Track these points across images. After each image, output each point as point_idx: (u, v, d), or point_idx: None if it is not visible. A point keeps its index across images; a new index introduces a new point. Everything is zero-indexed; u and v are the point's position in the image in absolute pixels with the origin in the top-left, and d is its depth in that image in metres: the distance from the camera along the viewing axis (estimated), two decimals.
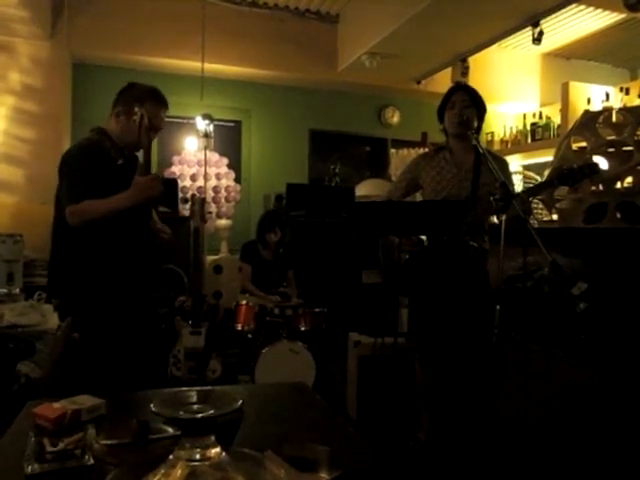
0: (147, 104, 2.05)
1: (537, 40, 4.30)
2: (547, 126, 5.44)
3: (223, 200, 4.94)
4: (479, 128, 2.50)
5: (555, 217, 3.02)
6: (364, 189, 4.91)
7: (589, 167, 2.10)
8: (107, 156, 2.01)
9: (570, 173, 2.09)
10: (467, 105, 2.44)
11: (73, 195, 1.94)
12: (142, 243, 2.12)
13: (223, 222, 4.93)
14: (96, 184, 1.93)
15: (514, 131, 5.88)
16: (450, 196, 2.44)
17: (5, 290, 3.54)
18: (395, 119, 6.13)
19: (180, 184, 4.63)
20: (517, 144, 5.80)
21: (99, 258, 2.04)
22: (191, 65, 4.89)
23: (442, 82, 5.20)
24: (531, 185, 4.16)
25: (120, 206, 1.93)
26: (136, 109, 1.96)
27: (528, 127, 5.64)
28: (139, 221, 2.10)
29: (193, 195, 4.23)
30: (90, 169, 1.98)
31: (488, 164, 2.14)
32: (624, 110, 3.00)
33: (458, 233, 2.32)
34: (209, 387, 1.37)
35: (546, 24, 4.44)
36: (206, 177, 4.73)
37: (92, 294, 2.04)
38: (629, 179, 2.75)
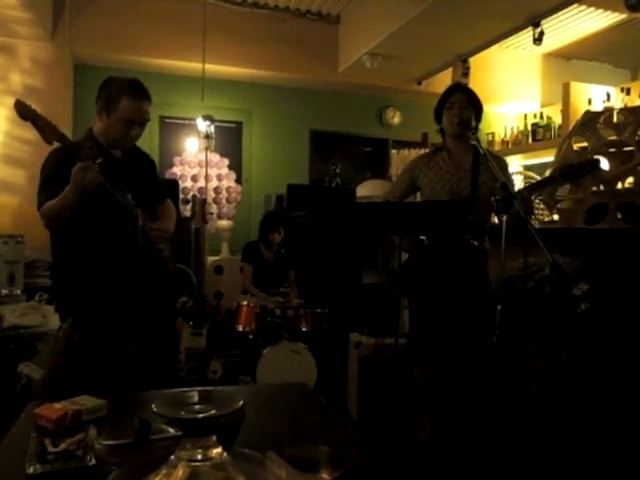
0: (124, 99, 1.98)
1: (538, 40, 4.31)
2: (548, 126, 5.44)
3: (224, 201, 4.94)
4: (476, 128, 2.51)
5: (556, 217, 3.02)
6: (365, 190, 4.91)
7: (590, 163, 2.11)
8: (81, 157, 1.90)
9: (572, 169, 2.10)
10: (465, 106, 2.45)
11: (40, 199, 1.94)
12: (131, 246, 2.05)
13: (224, 223, 4.93)
14: (64, 186, 1.86)
15: (515, 131, 5.88)
16: (449, 195, 2.44)
17: (6, 291, 3.55)
18: (396, 120, 6.13)
19: (181, 185, 4.64)
20: (518, 144, 5.79)
21: (91, 260, 2.02)
22: (192, 66, 4.90)
23: (443, 83, 5.20)
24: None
25: (66, 199, 1.85)
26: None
27: (529, 127, 5.64)
28: (116, 221, 2.02)
29: (194, 196, 4.25)
30: (56, 172, 1.94)
31: (489, 164, 2.15)
32: (625, 110, 3.00)
33: (458, 232, 2.32)
34: (210, 387, 1.37)
35: (547, 24, 4.45)
36: (207, 178, 4.74)
37: (89, 296, 2.04)
38: (630, 179, 2.75)
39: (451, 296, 2.41)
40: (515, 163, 5.77)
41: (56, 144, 1.90)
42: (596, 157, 2.51)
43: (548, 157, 5.02)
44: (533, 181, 4.91)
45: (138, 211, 2.07)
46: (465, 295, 2.40)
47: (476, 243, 2.34)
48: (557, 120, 5.35)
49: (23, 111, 1.82)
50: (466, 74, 5.02)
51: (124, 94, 1.99)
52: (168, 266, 2.27)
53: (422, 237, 2.45)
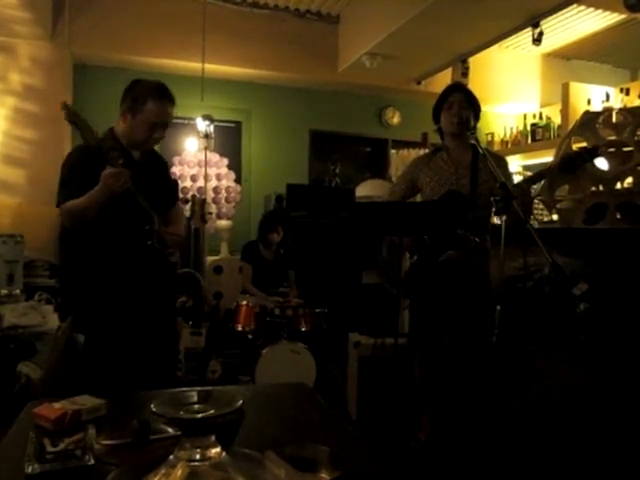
0: (150, 102, 2.02)
1: (537, 41, 4.31)
2: (547, 126, 5.44)
3: (223, 201, 4.94)
4: (474, 128, 2.51)
5: (555, 217, 3.02)
6: (364, 190, 4.91)
7: (589, 152, 2.12)
8: (103, 156, 1.93)
9: (570, 159, 2.11)
10: (464, 105, 2.45)
11: (61, 197, 1.97)
12: (140, 247, 2.06)
13: (223, 223, 4.93)
14: (86, 184, 1.91)
15: (514, 131, 5.88)
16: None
17: (6, 291, 3.54)
18: (395, 120, 6.13)
19: (180, 185, 4.63)
20: (517, 144, 5.80)
21: (107, 261, 2.03)
22: (191, 66, 4.89)
23: (442, 83, 5.18)
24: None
25: (92, 201, 1.90)
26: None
27: (528, 127, 5.64)
28: (134, 223, 2.04)
29: (193, 196, 4.24)
30: (79, 171, 1.97)
31: (489, 164, 2.15)
32: (624, 110, 3.00)
33: (459, 228, 2.32)
34: (209, 387, 1.37)
35: (546, 25, 4.45)
36: (206, 178, 4.73)
37: (102, 295, 2.03)
38: (629, 179, 2.75)
39: (452, 296, 2.41)
40: (514, 163, 5.77)
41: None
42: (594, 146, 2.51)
43: (547, 157, 5.02)
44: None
45: (154, 213, 2.08)
46: (466, 295, 2.40)
47: (477, 239, 2.34)
48: (556, 120, 5.35)
49: (68, 114, 1.86)
50: (465, 74, 5.02)
51: (150, 97, 2.02)
52: (176, 269, 2.28)
53: (424, 237, 2.46)
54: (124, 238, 2.04)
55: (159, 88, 2.05)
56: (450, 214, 2.23)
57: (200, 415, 0.81)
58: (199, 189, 4.73)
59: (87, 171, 1.94)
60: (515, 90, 5.96)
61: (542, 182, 2.64)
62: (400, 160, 5.67)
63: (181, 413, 0.81)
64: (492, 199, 2.01)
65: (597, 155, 2.21)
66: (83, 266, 2.07)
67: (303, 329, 3.48)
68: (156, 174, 2.22)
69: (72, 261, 2.11)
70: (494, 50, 5.33)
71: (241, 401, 0.86)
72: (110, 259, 2.04)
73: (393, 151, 6.06)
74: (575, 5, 4.44)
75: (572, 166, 2.15)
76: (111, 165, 1.88)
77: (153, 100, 2.02)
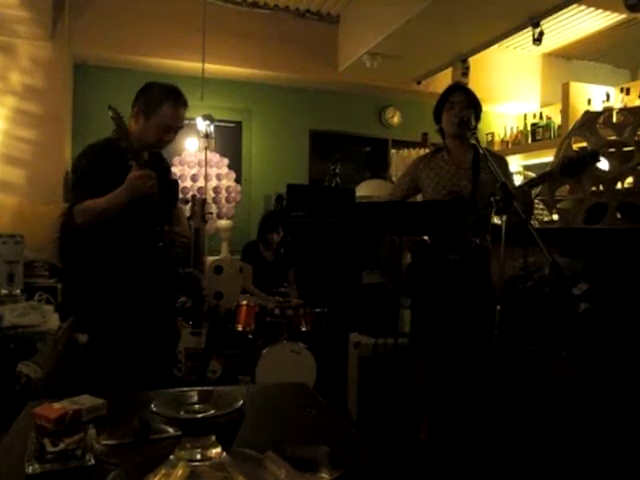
0: (166, 105, 2.02)
1: (537, 40, 4.31)
2: (548, 126, 5.44)
3: (223, 201, 4.94)
4: (475, 128, 2.51)
5: (555, 217, 3.02)
6: (364, 190, 4.91)
7: (590, 156, 2.12)
8: (120, 156, 1.94)
9: (571, 163, 2.10)
10: (465, 106, 2.45)
11: (76, 194, 1.97)
12: (151, 248, 2.05)
13: (223, 223, 4.93)
14: (103, 183, 1.91)
15: (515, 131, 5.88)
16: (450, 195, 2.44)
17: (6, 291, 3.54)
18: (396, 119, 6.13)
19: (181, 185, 4.63)
20: (518, 144, 5.80)
21: (117, 262, 2.03)
22: (192, 66, 4.89)
23: (443, 82, 5.19)
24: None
25: (116, 202, 1.90)
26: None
27: (529, 127, 5.64)
28: (147, 224, 2.03)
29: (194, 196, 4.24)
30: (95, 168, 1.97)
31: (489, 165, 2.15)
32: (625, 110, 3.00)
33: (460, 230, 2.32)
34: (209, 387, 1.37)
35: (546, 24, 4.45)
36: (207, 178, 4.73)
37: (107, 296, 2.03)
38: (629, 179, 2.75)
39: (454, 297, 2.41)
40: (515, 163, 5.77)
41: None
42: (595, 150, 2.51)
43: (548, 157, 5.02)
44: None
45: (163, 215, 2.09)
46: (467, 295, 2.40)
47: (478, 241, 2.34)
48: (557, 120, 5.35)
49: (112, 114, 1.88)
50: (466, 74, 5.02)
51: (166, 100, 2.02)
52: (178, 269, 2.29)
53: (424, 237, 2.46)
54: (136, 239, 2.04)
55: (174, 91, 2.06)
56: (452, 218, 2.23)
57: (200, 415, 0.81)
58: (199, 189, 4.73)
59: (104, 171, 1.94)
60: (515, 90, 5.96)
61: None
62: (400, 160, 5.67)
63: (181, 413, 0.81)
64: (492, 199, 2.01)
65: (598, 159, 2.20)
66: (92, 266, 2.07)
67: (303, 329, 3.48)
68: (161, 175, 2.22)
69: (79, 261, 2.10)
70: (494, 50, 5.32)
71: (241, 401, 0.86)
72: (121, 259, 2.04)
73: (393, 151, 6.06)
74: (575, 5, 4.44)
75: (573, 170, 2.15)
76: (138, 167, 1.89)
77: (168, 103, 2.02)
